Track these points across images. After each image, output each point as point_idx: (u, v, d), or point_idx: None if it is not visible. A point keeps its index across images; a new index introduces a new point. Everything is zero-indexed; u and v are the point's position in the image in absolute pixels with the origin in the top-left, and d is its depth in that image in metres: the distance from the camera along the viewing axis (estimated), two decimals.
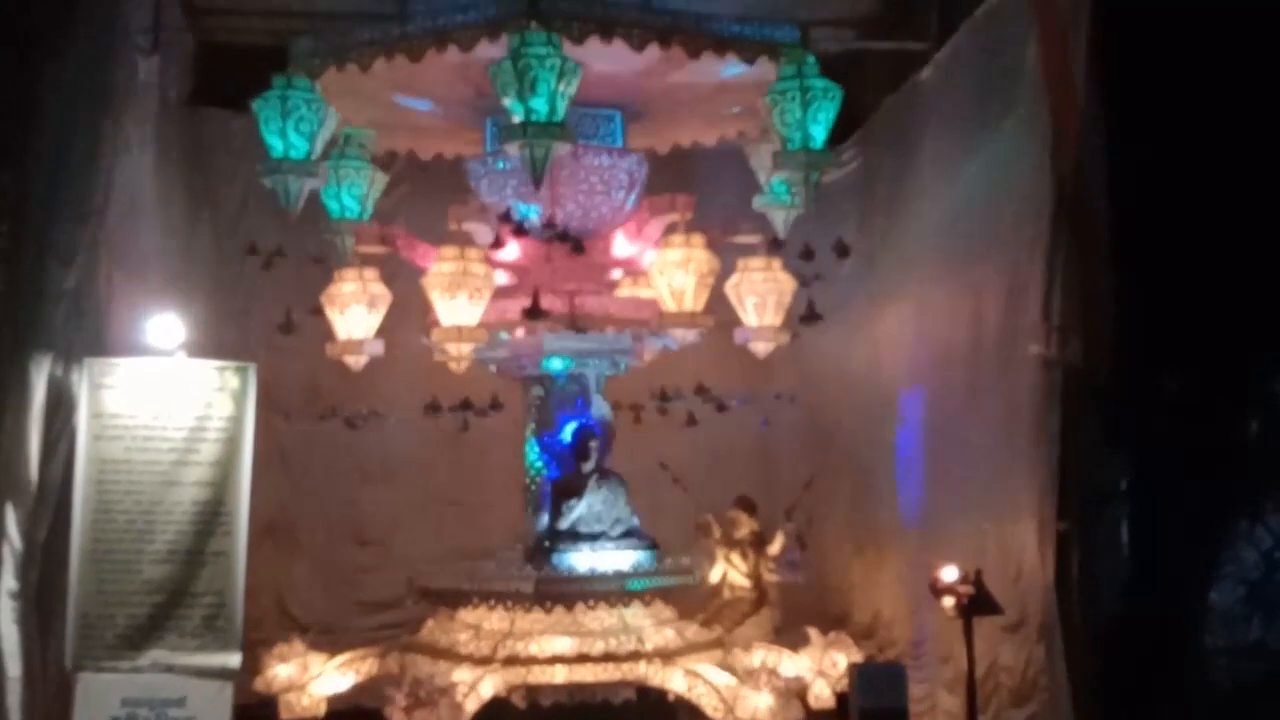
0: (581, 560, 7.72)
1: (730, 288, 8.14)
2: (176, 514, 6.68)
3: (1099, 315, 7.05)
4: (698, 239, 7.35)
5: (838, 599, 9.83)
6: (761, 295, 8.10)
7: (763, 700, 6.96)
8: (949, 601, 7.14)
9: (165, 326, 6.93)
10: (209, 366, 6.89)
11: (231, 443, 6.79)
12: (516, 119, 6.43)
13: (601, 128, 8.06)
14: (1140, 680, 7.27)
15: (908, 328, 9.14)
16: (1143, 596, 7.54)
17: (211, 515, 6.71)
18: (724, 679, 7.15)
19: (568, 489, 7.96)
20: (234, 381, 6.86)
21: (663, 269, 7.29)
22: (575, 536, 7.83)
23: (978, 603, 7.09)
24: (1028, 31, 7.45)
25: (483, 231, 7.85)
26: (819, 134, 7.06)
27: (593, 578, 7.70)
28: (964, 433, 8.22)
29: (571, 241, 7.49)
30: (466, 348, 7.57)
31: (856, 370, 9.96)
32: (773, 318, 8.09)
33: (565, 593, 7.59)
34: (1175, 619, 7.62)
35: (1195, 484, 7.54)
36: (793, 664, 7.73)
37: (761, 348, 8.16)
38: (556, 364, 8.11)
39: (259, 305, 9.39)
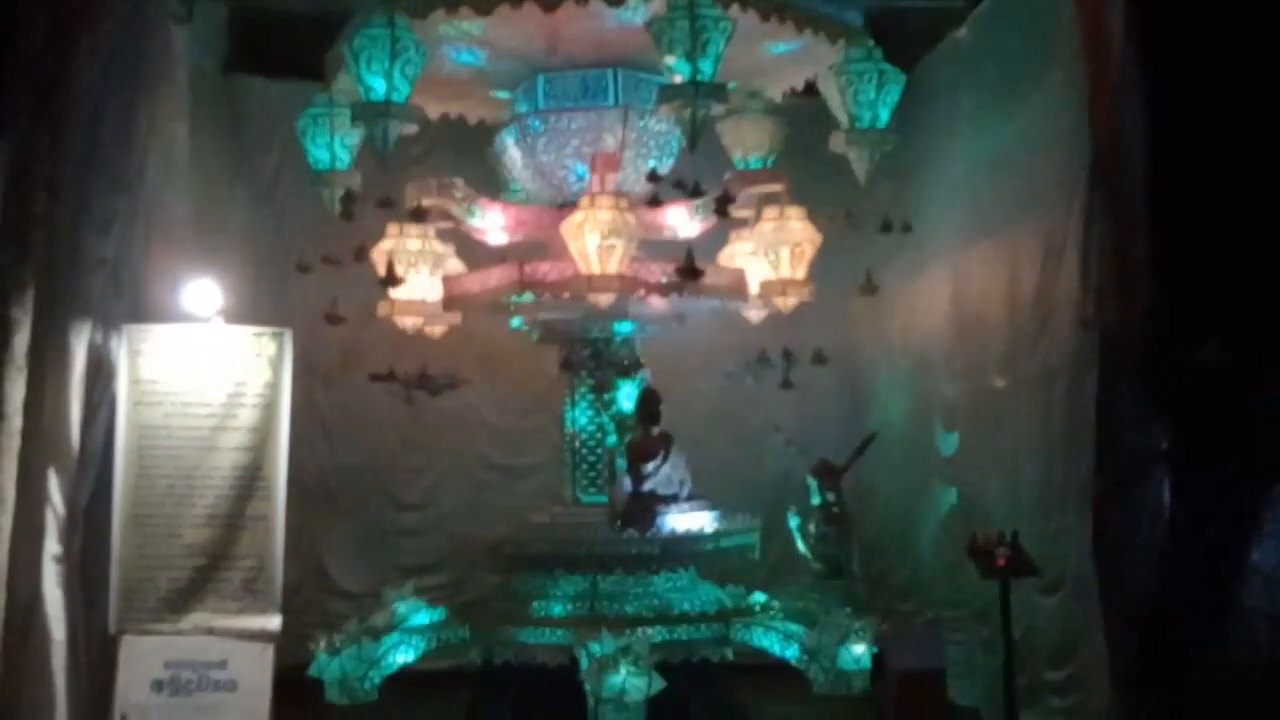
0: (678, 522, 7.81)
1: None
2: (215, 479, 6.74)
3: (1137, 277, 6.97)
4: (604, 200, 7.24)
5: (876, 560, 9.83)
6: (772, 247, 8.04)
7: (615, 680, 6.97)
8: (986, 563, 7.13)
9: (202, 293, 6.98)
10: (246, 333, 6.92)
11: (269, 408, 6.83)
12: (679, 78, 6.40)
13: (646, 92, 8.05)
14: (1180, 642, 7.22)
15: (945, 290, 9.09)
16: (1183, 558, 7.47)
17: (250, 480, 6.77)
18: (606, 650, 7.13)
19: (644, 452, 7.98)
20: (270, 347, 6.89)
21: (566, 231, 7.22)
22: (661, 499, 7.89)
23: (1015, 564, 7.08)
24: None
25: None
26: (885, 115, 7.45)
27: (705, 537, 7.87)
28: (1002, 394, 8.19)
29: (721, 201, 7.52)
30: (412, 320, 7.90)
31: (893, 334, 9.93)
32: (789, 270, 8.01)
33: (690, 553, 7.85)
34: (1216, 581, 7.54)
35: (1236, 445, 7.44)
36: (784, 645, 7.70)
37: (779, 302, 8.11)
38: (626, 327, 8.13)
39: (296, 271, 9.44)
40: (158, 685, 6.55)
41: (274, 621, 6.72)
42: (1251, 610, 7.61)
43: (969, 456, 8.63)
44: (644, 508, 7.77)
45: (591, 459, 8.22)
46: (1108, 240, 7.08)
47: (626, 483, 7.88)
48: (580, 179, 7.97)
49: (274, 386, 6.85)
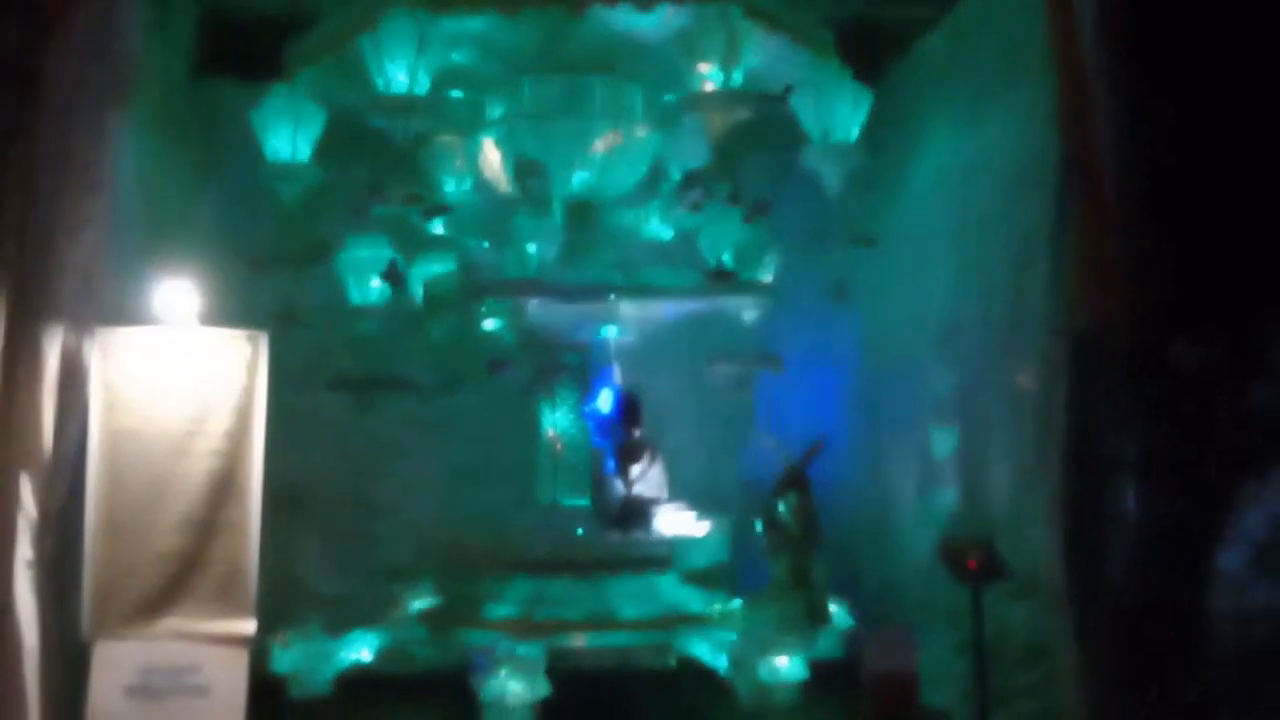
0: (670, 526, 7.87)
1: None
2: (189, 483, 6.68)
3: (1108, 283, 7.03)
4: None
5: (846, 563, 9.87)
6: (715, 247, 8.20)
7: (494, 684, 7.19)
8: (958, 566, 7.18)
9: (176, 296, 6.94)
10: (220, 335, 6.88)
11: (243, 412, 6.78)
12: (711, 87, 6.52)
13: (628, 100, 8.13)
14: (1148, 644, 7.28)
15: (919, 295, 9.14)
16: (1152, 562, 7.54)
17: (224, 484, 6.72)
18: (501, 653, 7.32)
19: (631, 455, 8.02)
20: (245, 350, 6.85)
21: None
22: (652, 502, 7.94)
23: (987, 568, 7.14)
24: None
25: None
26: (855, 131, 7.80)
27: (674, 541, 8.04)
28: (975, 401, 8.24)
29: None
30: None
31: (868, 340, 9.98)
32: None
33: (655, 558, 8.01)
34: (1184, 584, 7.61)
35: (1205, 449, 7.52)
36: (715, 655, 7.72)
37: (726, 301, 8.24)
38: (613, 331, 8.20)
39: (268, 274, 9.41)
40: (131, 691, 6.49)
41: (248, 626, 6.68)
42: (1218, 611, 7.70)
43: (943, 459, 8.68)
44: (640, 510, 7.82)
45: (573, 461, 8.23)
46: (1079, 246, 7.14)
47: (619, 485, 7.90)
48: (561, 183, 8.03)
49: (248, 390, 6.80)
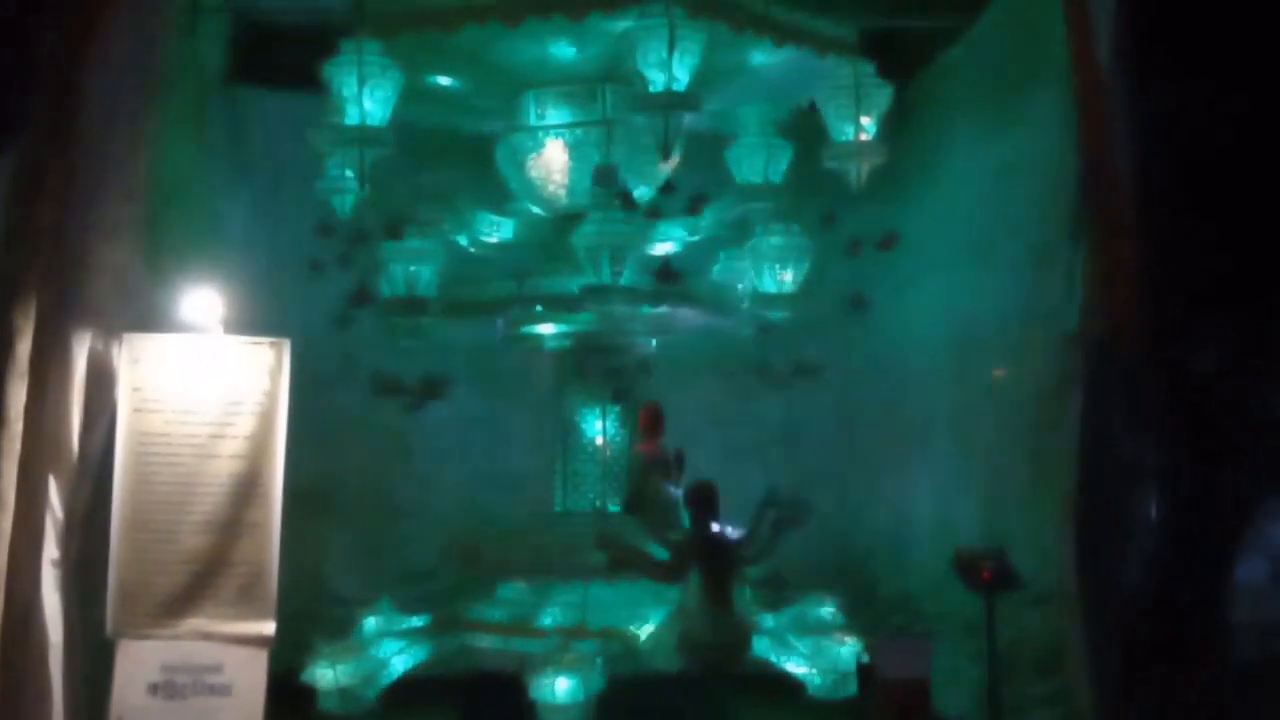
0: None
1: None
2: (213, 486, 6.76)
3: (1124, 292, 7.05)
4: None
5: (864, 573, 9.91)
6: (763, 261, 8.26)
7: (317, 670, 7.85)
8: (972, 576, 7.20)
9: (203, 303, 7.04)
10: (244, 342, 6.96)
11: (266, 416, 6.86)
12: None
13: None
14: (1165, 654, 7.28)
15: (935, 304, 9.18)
16: (1169, 572, 7.54)
17: (247, 487, 6.79)
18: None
19: (666, 465, 8.13)
20: (269, 357, 6.92)
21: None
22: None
23: (1000, 578, 7.16)
24: (1055, 9, 7.46)
25: None
26: (875, 127, 7.84)
27: None
28: (991, 408, 8.27)
29: None
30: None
31: (884, 348, 10.01)
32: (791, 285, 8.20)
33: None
34: (1202, 595, 7.61)
35: (1222, 458, 7.51)
36: None
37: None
38: (653, 341, 8.34)
39: (295, 281, 9.54)
40: (153, 689, 6.59)
41: (269, 627, 6.76)
42: (1237, 623, 7.69)
43: (959, 469, 8.70)
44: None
45: (615, 469, 8.32)
46: (1095, 255, 7.17)
47: (675, 493, 7.97)
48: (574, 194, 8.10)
49: (271, 395, 6.88)
